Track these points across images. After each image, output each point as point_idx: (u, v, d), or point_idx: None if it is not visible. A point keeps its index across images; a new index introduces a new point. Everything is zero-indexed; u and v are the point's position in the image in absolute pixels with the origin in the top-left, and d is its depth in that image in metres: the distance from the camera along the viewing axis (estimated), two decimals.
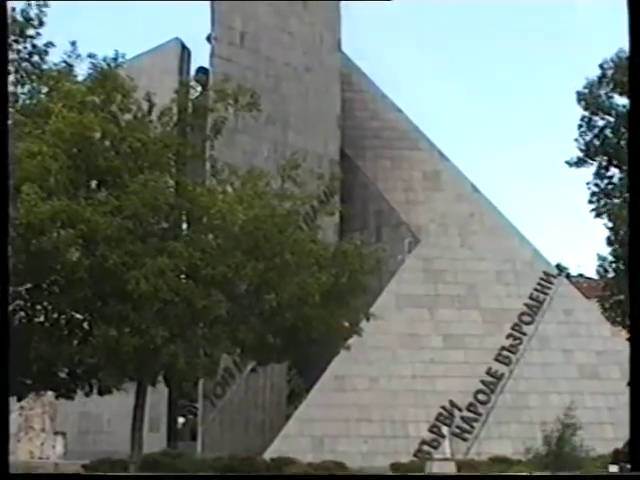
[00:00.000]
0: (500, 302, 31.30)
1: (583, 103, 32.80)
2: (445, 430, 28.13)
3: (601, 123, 33.18)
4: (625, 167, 28.88)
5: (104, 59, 21.01)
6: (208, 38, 30.62)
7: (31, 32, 21.32)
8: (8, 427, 9.24)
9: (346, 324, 21.82)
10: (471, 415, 28.84)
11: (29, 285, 19.50)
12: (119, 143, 20.01)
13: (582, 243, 69.18)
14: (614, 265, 29.44)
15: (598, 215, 32.21)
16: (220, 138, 22.01)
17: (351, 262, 21.07)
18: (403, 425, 28.38)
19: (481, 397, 29.18)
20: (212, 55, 30.26)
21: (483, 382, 29.39)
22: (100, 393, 20.66)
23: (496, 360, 29.90)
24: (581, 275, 40.20)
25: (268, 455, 26.35)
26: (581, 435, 24.09)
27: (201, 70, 31.21)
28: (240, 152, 28.80)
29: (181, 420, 36.74)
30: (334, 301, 20.63)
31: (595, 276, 35.88)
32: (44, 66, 21.46)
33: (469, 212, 33.18)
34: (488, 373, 29.59)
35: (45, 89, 21.36)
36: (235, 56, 30.59)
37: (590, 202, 33.71)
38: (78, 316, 20.06)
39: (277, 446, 27.21)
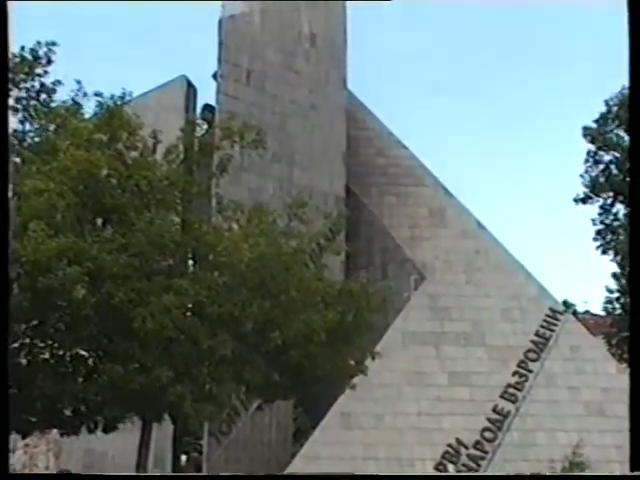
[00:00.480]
0: (506, 339, 31.20)
1: (589, 138, 32.93)
2: (451, 468, 27.97)
3: (607, 158, 33.30)
4: None
5: (111, 97, 21.19)
6: (214, 76, 30.76)
7: (39, 70, 21.53)
8: (8, 427, 9.21)
9: (352, 362, 21.78)
10: (478, 453, 28.67)
11: (34, 322, 19.49)
12: (125, 181, 20.08)
13: (589, 279, 69.04)
14: (621, 301, 29.43)
15: (604, 252, 32.27)
16: (226, 176, 22.10)
17: (357, 300, 21.07)
18: (410, 463, 28.20)
19: (487, 435, 29.02)
20: (218, 92, 30.39)
21: (489, 420, 29.24)
22: (105, 431, 20.58)
23: (502, 397, 29.75)
24: (587, 312, 40.08)
25: None
26: (589, 473, 23.94)
27: (207, 108, 31.33)
28: (246, 189, 28.85)
29: (185, 457, 36.57)
30: (340, 339, 20.58)
31: (602, 312, 35.87)
32: (52, 104, 21.64)
33: (474, 249, 33.15)
34: (494, 410, 29.44)
35: (53, 127, 21.52)
36: (241, 94, 30.73)
37: (595, 239, 33.78)
38: (83, 353, 20.04)
39: None
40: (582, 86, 69.42)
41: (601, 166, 33.78)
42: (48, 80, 22.07)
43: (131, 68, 64.07)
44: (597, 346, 31.27)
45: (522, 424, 29.35)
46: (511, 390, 30.03)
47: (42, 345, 19.94)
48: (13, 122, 22.81)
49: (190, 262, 21.21)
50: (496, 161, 76.78)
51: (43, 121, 21.86)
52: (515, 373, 30.40)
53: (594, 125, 33.82)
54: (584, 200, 34.21)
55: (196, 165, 21.97)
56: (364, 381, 24.00)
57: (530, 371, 30.55)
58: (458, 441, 28.63)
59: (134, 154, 20.73)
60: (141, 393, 18.82)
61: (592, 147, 33.68)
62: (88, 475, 19.59)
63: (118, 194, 19.97)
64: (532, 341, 31.19)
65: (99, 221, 20.23)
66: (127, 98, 21.41)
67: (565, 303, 33.80)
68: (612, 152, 33.03)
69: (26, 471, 30.56)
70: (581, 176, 34.34)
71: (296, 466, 28.05)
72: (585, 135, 33.55)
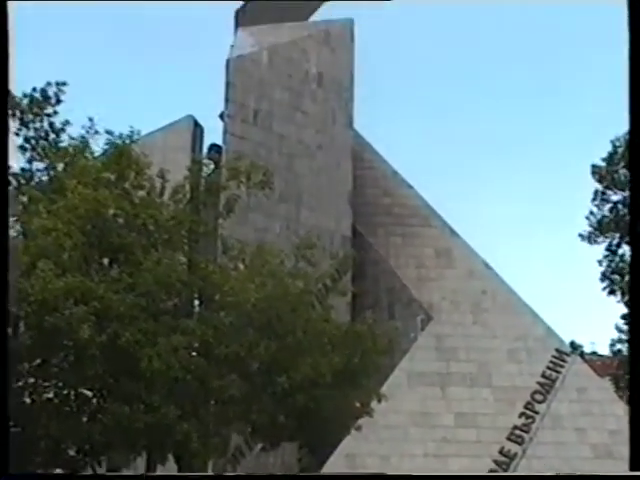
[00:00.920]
0: (512, 380, 31.04)
1: (597, 176, 32.86)
2: None
3: (615, 198, 33.21)
4: None
5: (120, 136, 21.25)
6: (221, 116, 30.87)
7: (49, 110, 21.65)
8: (8, 427, 9.17)
9: (357, 404, 21.65)
10: None
11: (39, 361, 19.44)
12: (132, 220, 20.10)
13: (596, 320, 68.72)
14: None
15: (611, 292, 32.13)
16: (233, 215, 22.10)
17: (364, 342, 20.97)
18: None
19: None
20: (225, 132, 30.46)
21: (496, 462, 29.03)
22: (109, 471, 20.46)
23: (509, 439, 29.56)
24: (595, 353, 39.97)
25: None
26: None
27: (214, 147, 31.41)
28: (252, 229, 28.81)
29: None
30: (347, 382, 20.46)
31: (609, 353, 35.71)
32: (61, 144, 21.72)
33: (481, 289, 33.08)
34: (501, 452, 29.26)
35: (61, 165, 21.58)
36: (248, 134, 30.81)
37: (602, 280, 33.67)
38: (88, 393, 19.95)
39: None
40: (588, 124, 69.50)
41: (608, 206, 33.71)
42: (57, 120, 22.23)
43: (138, 107, 64.29)
44: (604, 388, 31.13)
45: (529, 466, 29.11)
46: (517, 432, 29.83)
47: (46, 384, 19.88)
48: (21, 161, 22.92)
49: (196, 302, 21.17)
50: (502, 200, 76.61)
51: (51, 160, 21.93)
52: (522, 414, 30.21)
53: (602, 164, 33.74)
54: (590, 239, 34.13)
55: (203, 205, 21.99)
56: (370, 422, 23.82)
57: (537, 412, 30.36)
58: None
59: (141, 193, 20.77)
60: (147, 432, 18.72)
61: (599, 186, 33.62)
62: (88, 475, 19.42)
63: (125, 233, 19.98)
64: (539, 382, 31.02)
65: (106, 260, 20.23)
66: (135, 137, 21.47)
67: (572, 344, 33.71)
68: (620, 192, 32.95)
69: None
70: (587, 218, 34.33)
71: None
72: (593, 173, 33.45)
